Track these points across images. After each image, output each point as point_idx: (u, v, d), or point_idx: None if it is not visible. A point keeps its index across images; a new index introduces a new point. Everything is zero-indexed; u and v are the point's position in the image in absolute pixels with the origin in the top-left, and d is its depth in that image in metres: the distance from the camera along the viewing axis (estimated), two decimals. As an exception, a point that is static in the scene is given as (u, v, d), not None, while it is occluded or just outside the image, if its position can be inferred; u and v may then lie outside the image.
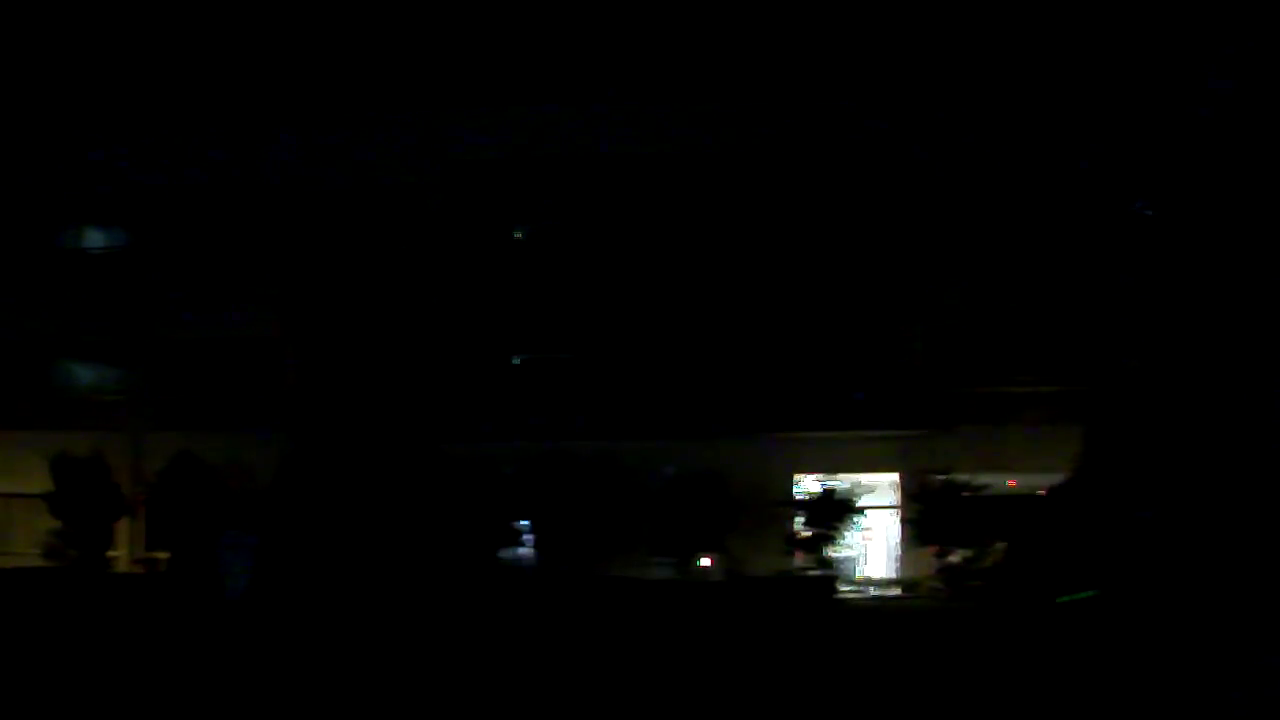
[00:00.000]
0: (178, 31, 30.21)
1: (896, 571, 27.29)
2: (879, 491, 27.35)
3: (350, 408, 28.08)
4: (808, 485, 27.10)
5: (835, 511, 26.27)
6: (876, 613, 23.72)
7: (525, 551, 26.94)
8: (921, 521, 26.14)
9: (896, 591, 26.57)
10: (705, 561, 26.24)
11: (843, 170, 28.21)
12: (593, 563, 25.52)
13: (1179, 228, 25.04)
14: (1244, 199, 23.14)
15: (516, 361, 29.01)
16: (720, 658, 16.61)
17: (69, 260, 30.83)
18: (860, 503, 26.47)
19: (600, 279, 28.36)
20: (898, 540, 27.39)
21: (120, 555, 28.32)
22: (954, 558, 25.73)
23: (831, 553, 26.11)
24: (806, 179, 28.33)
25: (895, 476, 27.51)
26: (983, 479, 25.99)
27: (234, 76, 30.00)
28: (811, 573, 25.77)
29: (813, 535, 26.19)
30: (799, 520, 26.49)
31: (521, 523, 26.89)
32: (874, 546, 27.45)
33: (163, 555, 27.70)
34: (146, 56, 30.22)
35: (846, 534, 26.30)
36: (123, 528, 28.33)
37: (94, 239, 31.31)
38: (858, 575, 26.88)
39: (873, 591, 26.54)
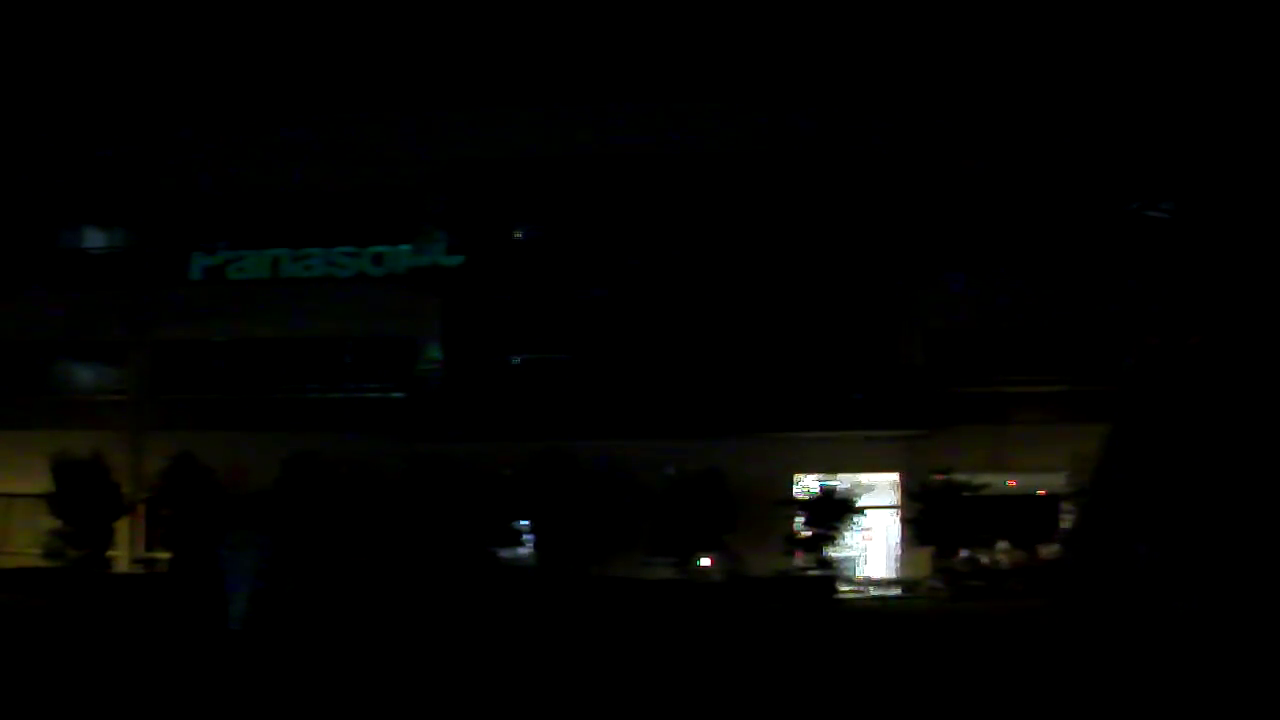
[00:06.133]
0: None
1: (896, 571, 27.29)
2: (879, 491, 27.34)
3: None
4: (808, 485, 27.09)
5: (835, 511, 26.25)
6: (876, 613, 23.72)
7: (525, 551, 26.93)
8: (921, 521, 26.16)
9: (896, 591, 26.57)
10: (705, 561, 26.23)
11: (843, 171, 28.20)
12: (593, 563, 25.51)
13: (1183, 227, 25.02)
14: (1248, 199, 23.11)
15: (516, 361, 29.01)
16: (720, 657, 16.63)
17: (73, 259, 30.92)
18: (860, 503, 26.45)
19: (600, 279, 28.34)
20: (898, 540, 27.40)
21: (120, 555, 28.32)
22: (954, 558, 25.77)
23: (831, 553, 26.10)
24: (807, 180, 28.32)
25: (895, 476, 27.51)
26: (983, 479, 26.01)
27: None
28: (811, 573, 25.77)
29: (813, 535, 26.18)
30: (799, 520, 26.48)
31: (521, 523, 26.87)
32: (874, 546, 27.44)
33: (163, 555, 27.74)
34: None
35: (846, 534, 26.28)
36: (123, 528, 28.32)
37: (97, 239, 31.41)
38: (858, 575, 26.86)
39: (873, 591, 26.53)
